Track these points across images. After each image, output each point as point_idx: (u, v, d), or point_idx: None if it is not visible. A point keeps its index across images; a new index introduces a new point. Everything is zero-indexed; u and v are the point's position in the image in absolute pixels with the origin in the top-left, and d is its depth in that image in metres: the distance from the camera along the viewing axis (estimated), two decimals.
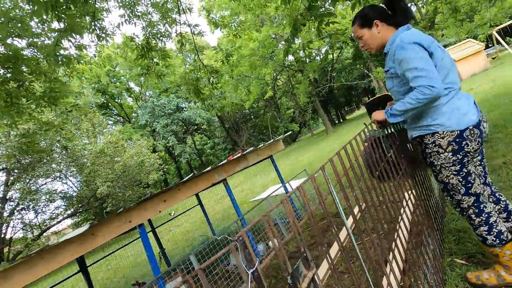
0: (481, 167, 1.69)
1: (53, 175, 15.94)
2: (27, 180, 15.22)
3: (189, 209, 6.49)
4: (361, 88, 39.97)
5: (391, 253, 1.44)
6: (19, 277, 1.94)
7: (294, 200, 4.92)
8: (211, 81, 5.20)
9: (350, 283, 2.22)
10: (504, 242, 1.55)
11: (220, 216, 7.63)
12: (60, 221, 17.10)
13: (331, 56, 25.71)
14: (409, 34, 1.54)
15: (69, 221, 20.26)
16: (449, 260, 1.95)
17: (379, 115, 1.75)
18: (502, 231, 1.57)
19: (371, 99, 4.63)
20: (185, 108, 25.29)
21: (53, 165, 14.60)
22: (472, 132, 1.50)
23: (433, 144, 1.57)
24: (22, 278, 1.95)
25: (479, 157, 1.67)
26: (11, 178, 15.03)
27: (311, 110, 21.73)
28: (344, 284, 1.99)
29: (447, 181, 1.61)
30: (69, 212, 18.20)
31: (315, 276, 0.99)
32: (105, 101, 26.37)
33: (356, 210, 3.40)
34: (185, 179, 3.28)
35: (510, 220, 1.67)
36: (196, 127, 30.38)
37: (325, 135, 21.90)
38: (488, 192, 1.70)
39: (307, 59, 20.24)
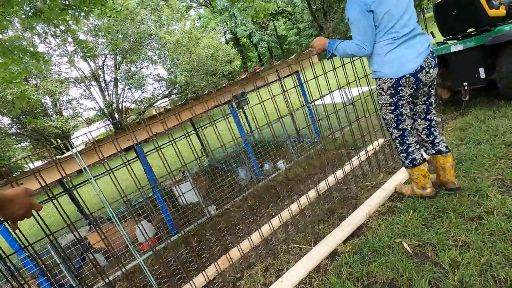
0: (424, 105, 1.94)
1: (146, 61, 18.18)
2: (128, 65, 17.89)
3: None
4: None
5: None
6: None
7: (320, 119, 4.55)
8: None
9: None
10: (414, 165, 1.96)
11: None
12: (157, 100, 20.54)
13: None
14: None
15: (167, 100, 24.09)
16: None
17: (321, 42, 1.97)
18: (416, 158, 1.95)
19: None
20: None
21: (143, 53, 16.27)
22: (407, 80, 1.73)
23: (378, 87, 1.87)
24: None
25: (423, 98, 1.91)
26: (117, 61, 17.82)
27: None
28: None
29: (384, 116, 1.95)
30: (166, 93, 21.39)
31: None
32: None
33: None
34: (181, 103, 3.36)
35: (433, 148, 2.00)
36: (277, 10, 27.59)
37: (431, 23, 17.22)
38: (423, 126, 1.99)
39: None
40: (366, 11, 1.64)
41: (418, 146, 1.95)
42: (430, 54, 1.75)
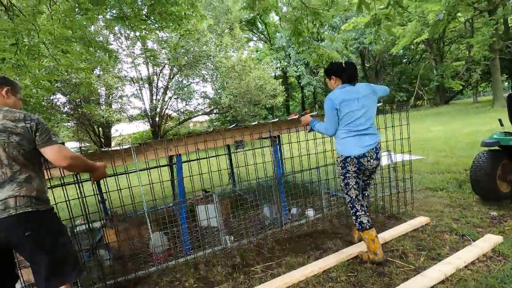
0: (363, 183, 2.57)
1: (198, 78, 19.31)
2: (182, 77, 19.11)
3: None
4: None
5: None
6: None
7: None
8: (307, 25, 4.53)
9: None
10: (363, 229, 2.33)
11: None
12: (198, 115, 21.42)
13: None
14: (334, 92, 2.36)
15: (206, 117, 25.00)
16: None
17: (307, 120, 2.71)
18: (363, 222, 2.34)
19: None
20: (325, 38, 23.48)
21: (198, 70, 17.32)
22: (352, 160, 2.31)
23: (336, 160, 2.49)
24: None
25: (364, 178, 2.53)
26: (172, 72, 19.11)
27: (480, 69, 16.13)
28: None
29: (341, 183, 2.47)
30: (207, 110, 22.27)
31: None
32: (253, 17, 27.50)
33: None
34: (230, 127, 3.42)
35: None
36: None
37: (488, 107, 16.57)
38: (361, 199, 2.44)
39: None
40: (334, 108, 2.30)
41: (364, 213, 2.38)
42: (375, 149, 2.32)
